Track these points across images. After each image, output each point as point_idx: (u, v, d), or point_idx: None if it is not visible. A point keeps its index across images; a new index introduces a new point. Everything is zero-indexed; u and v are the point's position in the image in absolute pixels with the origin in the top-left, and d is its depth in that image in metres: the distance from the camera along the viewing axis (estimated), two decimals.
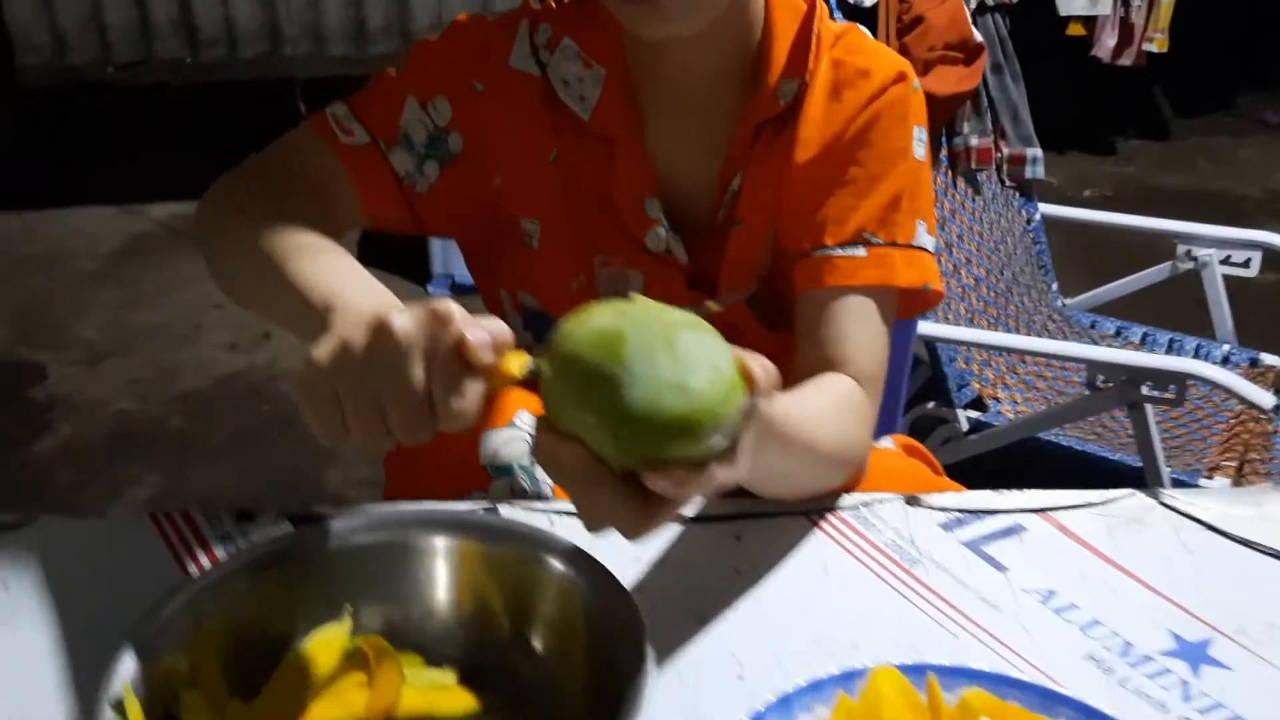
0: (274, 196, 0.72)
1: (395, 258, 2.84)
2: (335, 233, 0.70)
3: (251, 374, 2.45)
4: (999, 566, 0.70)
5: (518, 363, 0.50)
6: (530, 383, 0.51)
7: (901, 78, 0.78)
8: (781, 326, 0.80)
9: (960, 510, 0.75)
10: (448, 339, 0.49)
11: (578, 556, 0.58)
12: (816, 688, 0.57)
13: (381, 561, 0.60)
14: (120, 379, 2.41)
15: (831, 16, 0.83)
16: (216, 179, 0.77)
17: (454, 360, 0.48)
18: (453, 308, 0.49)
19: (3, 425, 2.25)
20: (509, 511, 0.72)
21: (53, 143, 3.56)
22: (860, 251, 0.76)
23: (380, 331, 0.49)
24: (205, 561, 0.70)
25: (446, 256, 2.71)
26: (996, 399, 1.75)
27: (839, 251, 0.76)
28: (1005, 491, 0.76)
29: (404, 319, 0.49)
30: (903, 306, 0.79)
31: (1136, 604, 0.68)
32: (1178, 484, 1.53)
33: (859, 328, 0.76)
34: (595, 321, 0.49)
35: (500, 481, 0.73)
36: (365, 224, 0.80)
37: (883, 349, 0.77)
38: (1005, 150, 1.95)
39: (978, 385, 1.76)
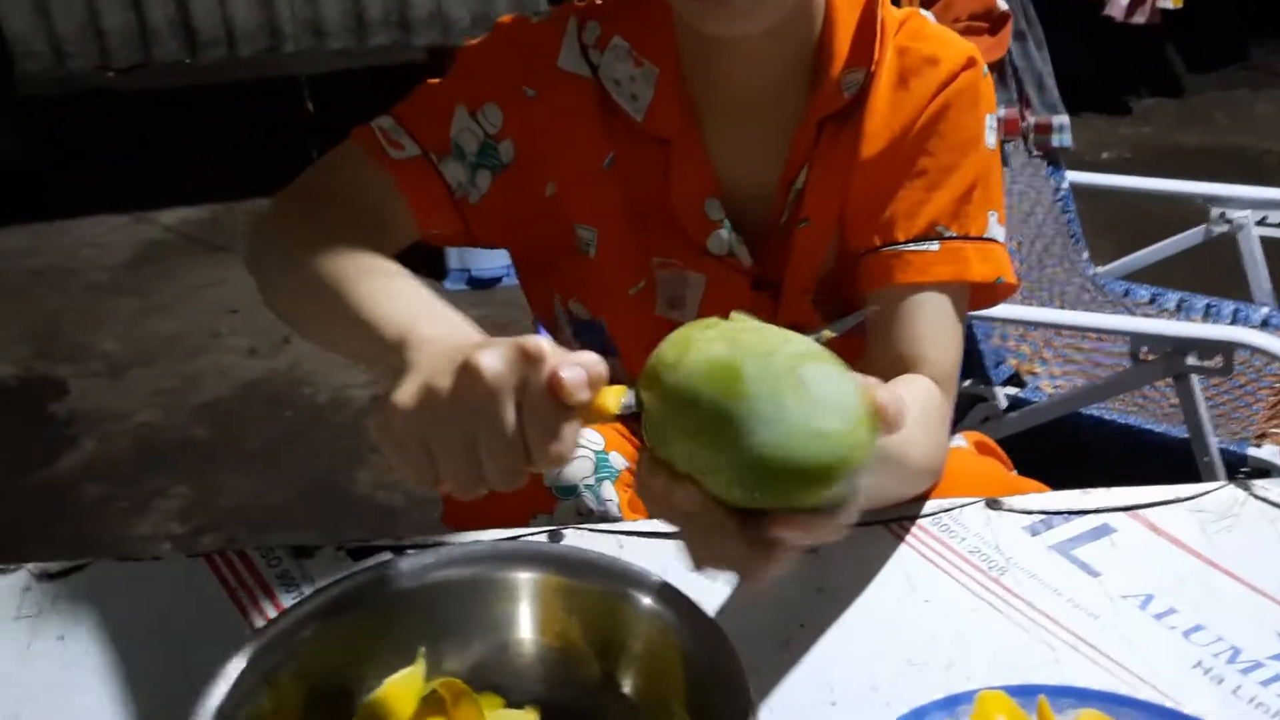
0: (326, 218, 0.69)
1: (409, 254, 2.81)
2: (389, 251, 0.67)
3: (274, 380, 2.43)
4: (1091, 572, 0.67)
5: (614, 398, 0.47)
6: (626, 418, 0.48)
7: (971, 63, 0.75)
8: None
9: (1044, 512, 0.72)
10: (539, 379, 0.46)
11: (667, 592, 0.55)
12: (920, 715, 0.55)
13: (456, 599, 0.58)
14: (142, 390, 2.39)
15: None
16: (268, 201, 0.73)
17: (547, 400, 0.46)
18: (543, 345, 0.46)
19: (26, 442, 2.24)
20: (575, 535, 0.70)
21: (56, 152, 3.53)
22: (933, 246, 0.73)
23: (467, 373, 0.46)
24: (264, 601, 0.67)
25: (463, 252, 2.68)
26: (1034, 374, 1.72)
27: (911, 247, 0.73)
28: (1090, 490, 0.73)
29: (492, 359, 0.46)
30: (974, 300, 0.76)
31: (1238, 605, 0.65)
32: (1225, 454, 1.50)
33: (934, 326, 0.73)
34: (706, 350, 0.46)
35: (566, 503, 0.71)
36: (417, 238, 0.77)
37: (957, 347, 0.74)
38: (1031, 119, 1.90)
39: (1014, 361, 1.73)
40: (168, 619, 0.66)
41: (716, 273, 0.78)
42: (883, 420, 0.46)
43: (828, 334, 0.48)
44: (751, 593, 0.47)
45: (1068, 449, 1.67)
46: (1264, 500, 0.72)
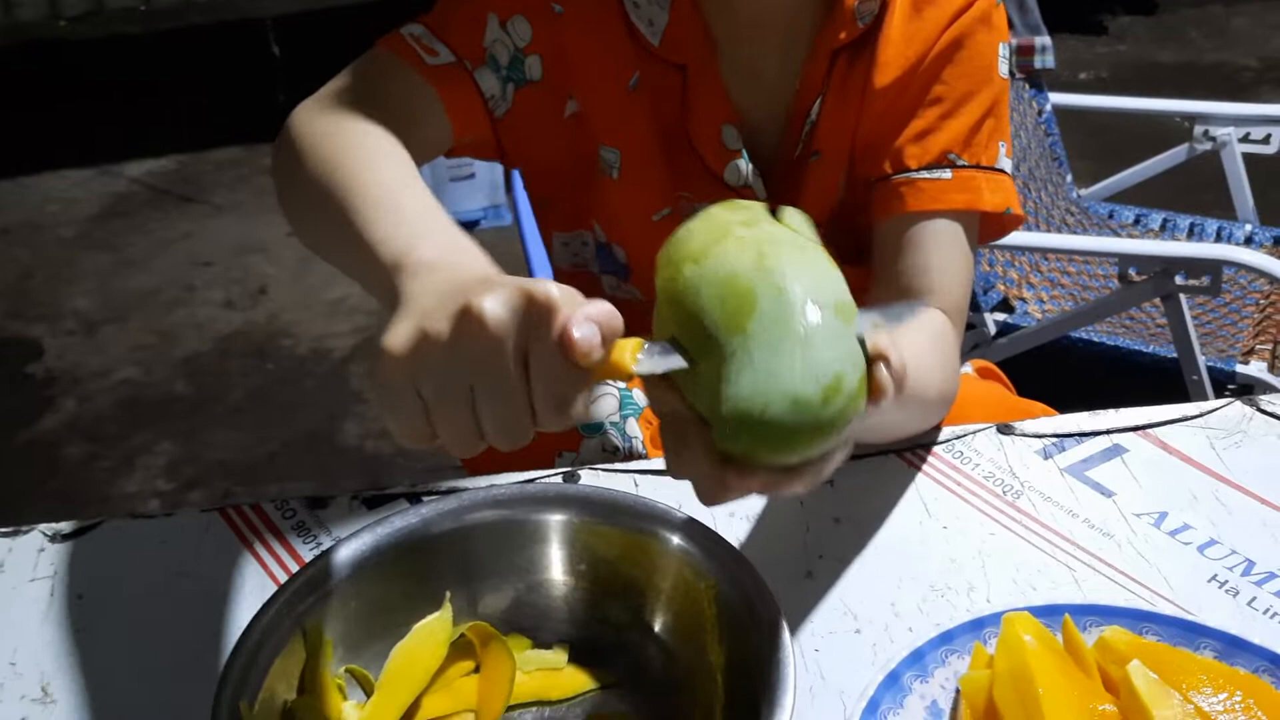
0: (357, 116, 0.64)
1: None
2: (417, 155, 0.63)
3: (252, 331, 2.40)
4: (1105, 492, 0.68)
5: (631, 354, 0.43)
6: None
7: None
8: (855, 260, 0.77)
9: (1056, 435, 0.72)
10: (549, 333, 0.41)
11: (693, 528, 0.55)
12: (948, 638, 0.55)
13: (484, 544, 0.57)
14: (119, 347, 2.35)
15: None
16: (294, 109, 0.68)
17: (556, 359, 0.41)
18: (553, 293, 0.42)
19: (5, 403, 2.21)
20: (591, 475, 0.70)
21: (12, 106, 3.42)
22: (945, 174, 0.72)
23: (468, 318, 0.42)
24: (281, 552, 0.67)
25: (439, 194, 2.64)
26: (1023, 299, 1.72)
27: (923, 174, 0.72)
28: (1099, 412, 0.74)
29: (496, 305, 0.41)
30: (982, 232, 0.75)
31: (1251, 518, 0.66)
32: (1213, 371, 1.52)
33: (945, 255, 0.72)
34: (733, 258, 0.43)
35: (591, 440, 0.70)
36: (448, 148, 0.74)
37: (968, 277, 0.74)
38: (1014, 41, 1.88)
39: (1003, 287, 1.73)
40: (186, 574, 0.65)
41: None
42: (874, 394, 0.44)
43: (876, 324, 0.46)
44: (707, 505, 0.46)
45: (1058, 372, 1.68)
46: (1271, 415, 0.73)
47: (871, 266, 0.75)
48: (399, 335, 0.44)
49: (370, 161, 0.59)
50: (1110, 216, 1.99)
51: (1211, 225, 1.89)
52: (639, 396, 0.73)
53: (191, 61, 3.62)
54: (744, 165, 0.76)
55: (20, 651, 0.61)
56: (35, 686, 0.59)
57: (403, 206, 0.55)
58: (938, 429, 0.73)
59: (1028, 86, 1.98)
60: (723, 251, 0.44)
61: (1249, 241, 1.83)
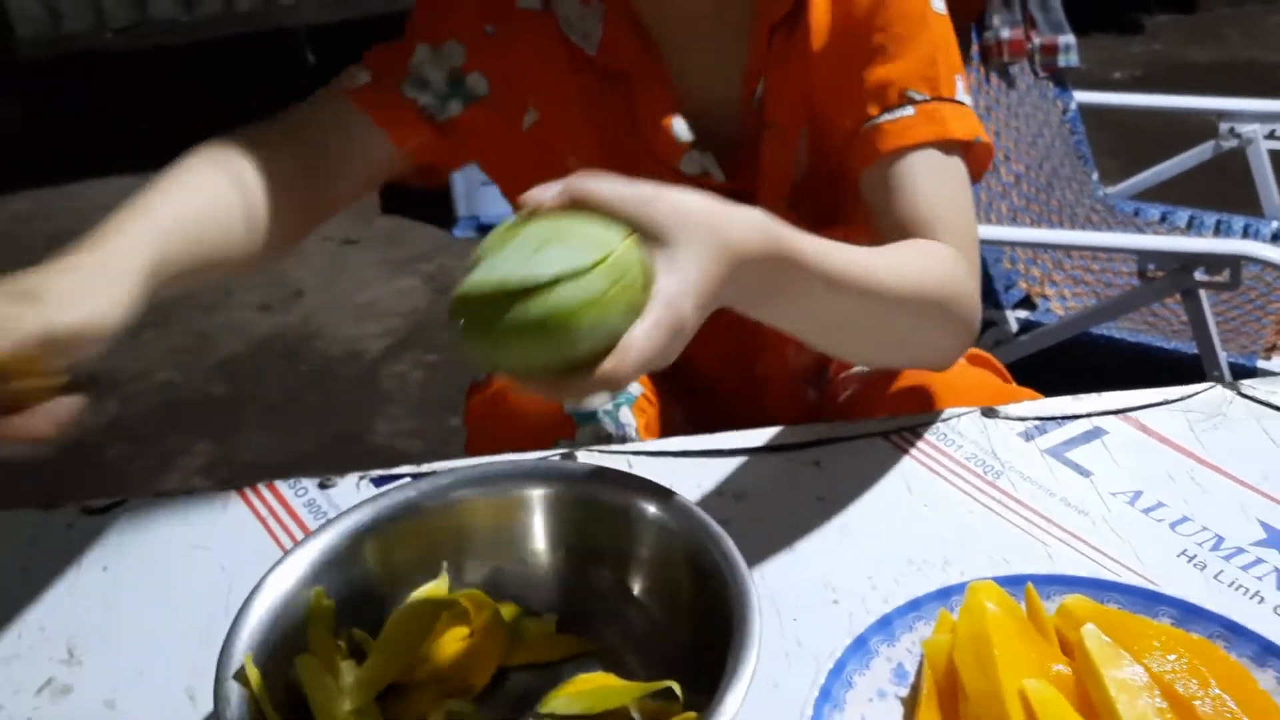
0: (263, 136, 0.73)
1: (419, 202, 2.82)
2: (362, 171, 0.71)
3: (287, 334, 2.46)
4: (1083, 472, 0.70)
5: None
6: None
7: None
8: (825, 229, 0.79)
9: (1038, 418, 0.74)
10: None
11: (672, 501, 0.58)
12: (915, 606, 0.58)
13: (476, 516, 0.61)
14: (159, 350, 2.43)
15: None
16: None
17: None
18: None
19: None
20: (586, 456, 0.73)
21: (58, 116, 3.54)
22: (908, 111, 0.73)
23: None
24: (294, 528, 0.71)
25: (470, 198, 2.69)
26: (1045, 296, 1.73)
27: (885, 117, 0.73)
28: (1082, 396, 0.76)
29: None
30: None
31: (1224, 497, 0.67)
32: (1235, 367, 1.51)
33: (930, 186, 0.72)
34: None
35: (585, 428, 0.74)
36: (402, 163, 0.79)
37: (964, 205, 0.73)
38: (1037, 39, 1.89)
39: (1025, 284, 1.74)
40: (205, 547, 0.69)
41: None
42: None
43: None
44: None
45: (1080, 370, 1.68)
46: (1250, 399, 0.74)
47: (850, 231, 0.76)
48: None
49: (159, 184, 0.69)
50: (1136, 214, 1.99)
51: (1238, 222, 1.88)
52: (633, 386, 0.76)
53: (230, 70, 3.71)
54: (696, 155, 0.79)
55: (49, 618, 0.65)
56: (62, 649, 0.63)
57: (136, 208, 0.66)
58: (926, 410, 0.75)
59: (1052, 85, 1.98)
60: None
61: (1275, 238, 1.82)
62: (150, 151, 3.67)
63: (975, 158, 0.76)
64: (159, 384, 2.32)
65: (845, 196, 0.78)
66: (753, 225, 0.54)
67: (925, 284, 0.66)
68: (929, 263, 0.68)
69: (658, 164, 0.80)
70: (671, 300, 0.48)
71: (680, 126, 0.78)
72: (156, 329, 2.50)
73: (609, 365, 0.47)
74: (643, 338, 0.47)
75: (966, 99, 0.76)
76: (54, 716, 0.59)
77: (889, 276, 0.63)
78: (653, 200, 0.50)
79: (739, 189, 0.80)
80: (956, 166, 0.74)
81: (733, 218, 0.53)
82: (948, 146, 0.73)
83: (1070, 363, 1.64)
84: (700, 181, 0.79)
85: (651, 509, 0.58)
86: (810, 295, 0.59)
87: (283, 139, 0.75)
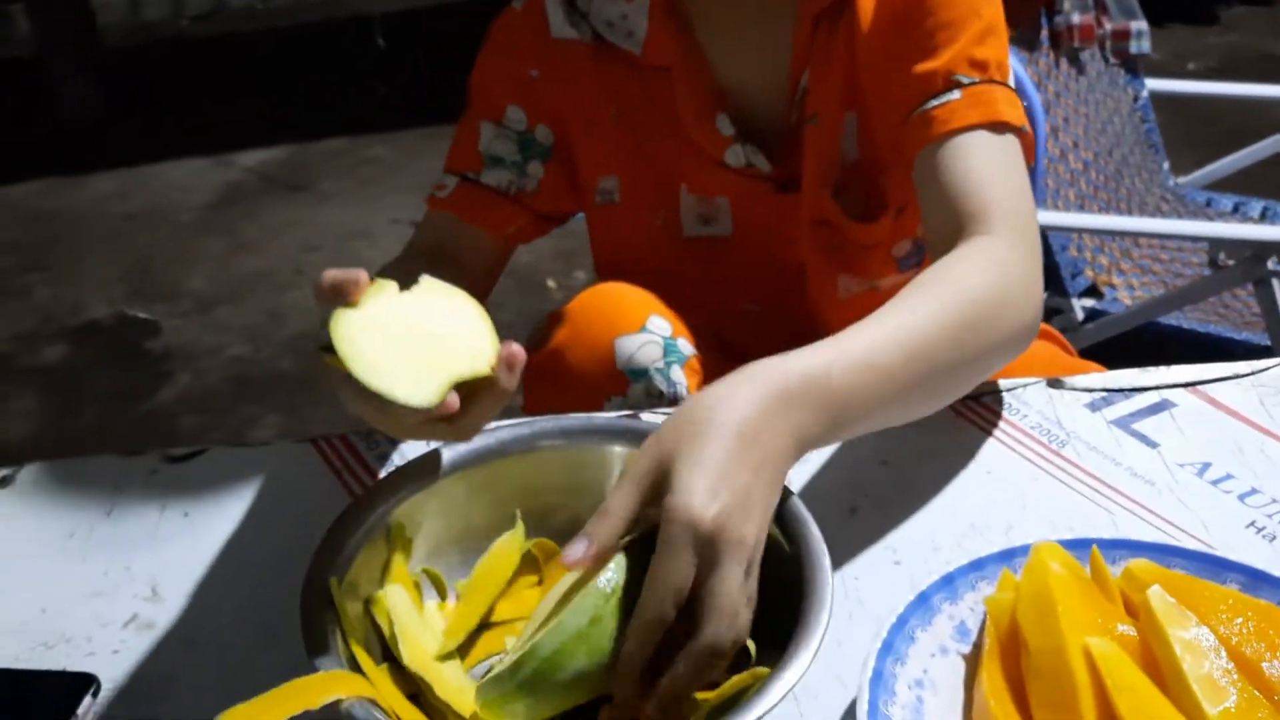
0: (401, 268, 0.77)
1: None
2: (472, 275, 0.77)
3: None
4: (1150, 443, 0.69)
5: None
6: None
7: None
8: (872, 216, 0.79)
9: (1105, 390, 0.74)
10: None
11: None
12: (978, 566, 0.58)
13: (552, 467, 0.62)
14: (232, 326, 2.49)
15: None
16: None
17: None
18: None
19: (126, 378, 2.36)
20: (648, 417, 0.74)
21: (137, 100, 3.64)
22: (955, 95, 0.72)
23: None
24: (365, 478, 0.73)
25: None
26: (1112, 285, 1.70)
27: (933, 103, 0.72)
28: (1149, 369, 0.75)
29: None
30: None
31: None
32: None
33: (981, 169, 0.70)
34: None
35: (637, 385, 0.75)
36: (506, 249, 0.86)
37: (1019, 187, 0.70)
38: (1108, 26, 1.86)
39: (1091, 273, 1.71)
40: (280, 496, 0.72)
41: (739, 187, 0.82)
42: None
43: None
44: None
45: (1147, 360, 1.65)
46: None
47: (900, 219, 0.76)
48: None
49: None
50: (1208, 205, 1.94)
51: None
52: (683, 345, 0.77)
53: (303, 56, 3.79)
54: (740, 148, 0.80)
55: (133, 560, 0.68)
56: (146, 588, 0.66)
57: None
58: (993, 382, 0.75)
59: (1123, 72, 1.95)
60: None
61: None
62: (224, 135, 3.77)
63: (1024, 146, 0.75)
64: (230, 359, 2.39)
65: (893, 183, 0.78)
66: (737, 384, 0.53)
67: (962, 308, 0.62)
68: (955, 286, 0.63)
69: (704, 160, 0.81)
70: (672, 518, 0.49)
71: (723, 120, 0.80)
72: (230, 305, 2.56)
73: (636, 623, 0.49)
74: (649, 585, 0.49)
75: (1012, 82, 0.75)
76: (139, 649, 0.62)
77: (918, 324, 0.60)
78: (639, 469, 0.52)
79: (785, 178, 0.80)
80: (1009, 147, 0.72)
81: (714, 392, 0.53)
82: (998, 128, 0.72)
83: (1138, 352, 1.61)
84: (746, 173, 0.80)
85: None
86: (856, 391, 0.56)
87: (415, 264, 0.76)
